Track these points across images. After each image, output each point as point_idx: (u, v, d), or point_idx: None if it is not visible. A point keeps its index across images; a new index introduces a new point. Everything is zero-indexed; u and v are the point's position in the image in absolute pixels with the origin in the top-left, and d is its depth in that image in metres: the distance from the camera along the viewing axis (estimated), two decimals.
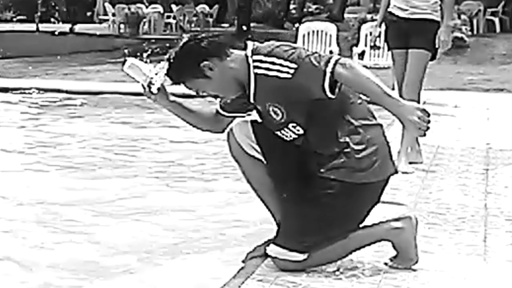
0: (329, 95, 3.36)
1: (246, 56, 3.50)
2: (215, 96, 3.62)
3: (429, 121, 3.31)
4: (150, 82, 3.56)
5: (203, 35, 3.61)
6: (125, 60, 3.63)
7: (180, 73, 3.55)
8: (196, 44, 3.54)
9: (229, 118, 3.73)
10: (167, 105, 3.68)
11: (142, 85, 3.60)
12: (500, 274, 3.58)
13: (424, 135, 3.33)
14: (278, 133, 3.55)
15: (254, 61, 3.47)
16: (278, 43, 3.50)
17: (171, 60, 3.55)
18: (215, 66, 3.51)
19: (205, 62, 3.50)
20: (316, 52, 3.43)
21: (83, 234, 4.96)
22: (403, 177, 5.54)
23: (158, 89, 3.58)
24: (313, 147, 3.49)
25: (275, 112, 3.49)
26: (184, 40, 3.58)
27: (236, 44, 3.59)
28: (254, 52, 3.50)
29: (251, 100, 3.54)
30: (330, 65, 3.34)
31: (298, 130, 3.50)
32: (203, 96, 3.64)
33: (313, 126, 3.48)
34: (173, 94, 3.66)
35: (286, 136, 3.54)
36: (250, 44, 3.54)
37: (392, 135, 6.07)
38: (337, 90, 3.37)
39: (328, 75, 3.33)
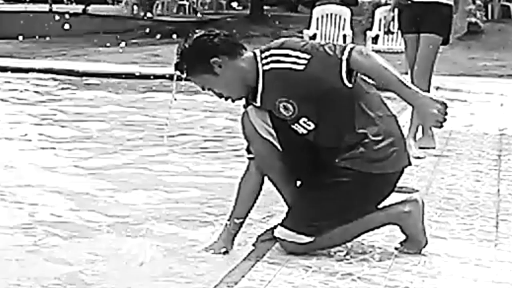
0: (346, 83, 3.34)
1: (255, 55, 3.50)
2: (220, 95, 3.59)
3: (446, 113, 3.29)
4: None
5: (217, 31, 3.59)
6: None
7: (189, 67, 3.54)
8: (209, 39, 3.53)
9: None
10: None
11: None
12: None
13: (441, 126, 3.32)
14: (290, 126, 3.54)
15: (263, 57, 3.46)
16: (288, 38, 3.50)
17: (182, 53, 3.54)
18: (224, 64, 3.50)
19: (216, 59, 3.49)
20: (330, 42, 3.41)
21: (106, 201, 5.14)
22: (415, 162, 5.51)
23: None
24: (326, 142, 3.47)
25: (285, 108, 3.47)
26: (198, 34, 3.57)
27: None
28: (264, 49, 3.49)
29: (258, 102, 3.53)
30: (346, 53, 3.32)
31: (309, 125, 3.48)
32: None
33: (325, 121, 3.45)
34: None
35: (298, 131, 3.53)
36: (257, 50, 3.53)
37: (401, 122, 6.05)
38: (353, 78, 3.35)
39: (344, 62, 3.31)
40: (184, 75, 3.57)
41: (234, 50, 3.53)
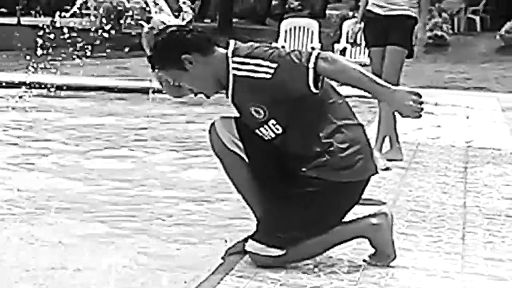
0: (314, 90, 3.36)
1: (227, 57, 3.50)
2: (191, 90, 3.62)
3: (421, 102, 3.32)
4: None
5: (191, 27, 3.61)
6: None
7: (159, 60, 3.56)
8: (182, 35, 3.54)
9: None
10: None
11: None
12: (478, 272, 3.60)
13: (420, 116, 3.34)
14: (258, 132, 3.55)
15: (233, 62, 3.46)
16: (258, 44, 3.51)
17: (156, 46, 3.56)
18: (196, 61, 3.50)
19: (187, 55, 3.50)
20: (296, 50, 3.43)
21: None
22: (383, 174, 5.55)
23: None
24: (293, 149, 3.50)
25: (257, 112, 3.48)
26: (171, 28, 3.58)
27: (219, 41, 3.59)
28: (234, 53, 3.49)
29: (231, 100, 3.55)
30: (312, 61, 3.34)
31: (277, 129, 3.50)
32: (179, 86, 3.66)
33: (293, 126, 3.47)
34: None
35: (265, 135, 3.54)
36: (231, 43, 3.53)
37: (368, 134, 6.09)
38: (320, 84, 3.38)
39: (311, 71, 3.33)
40: (155, 69, 3.59)
41: (206, 47, 3.53)
